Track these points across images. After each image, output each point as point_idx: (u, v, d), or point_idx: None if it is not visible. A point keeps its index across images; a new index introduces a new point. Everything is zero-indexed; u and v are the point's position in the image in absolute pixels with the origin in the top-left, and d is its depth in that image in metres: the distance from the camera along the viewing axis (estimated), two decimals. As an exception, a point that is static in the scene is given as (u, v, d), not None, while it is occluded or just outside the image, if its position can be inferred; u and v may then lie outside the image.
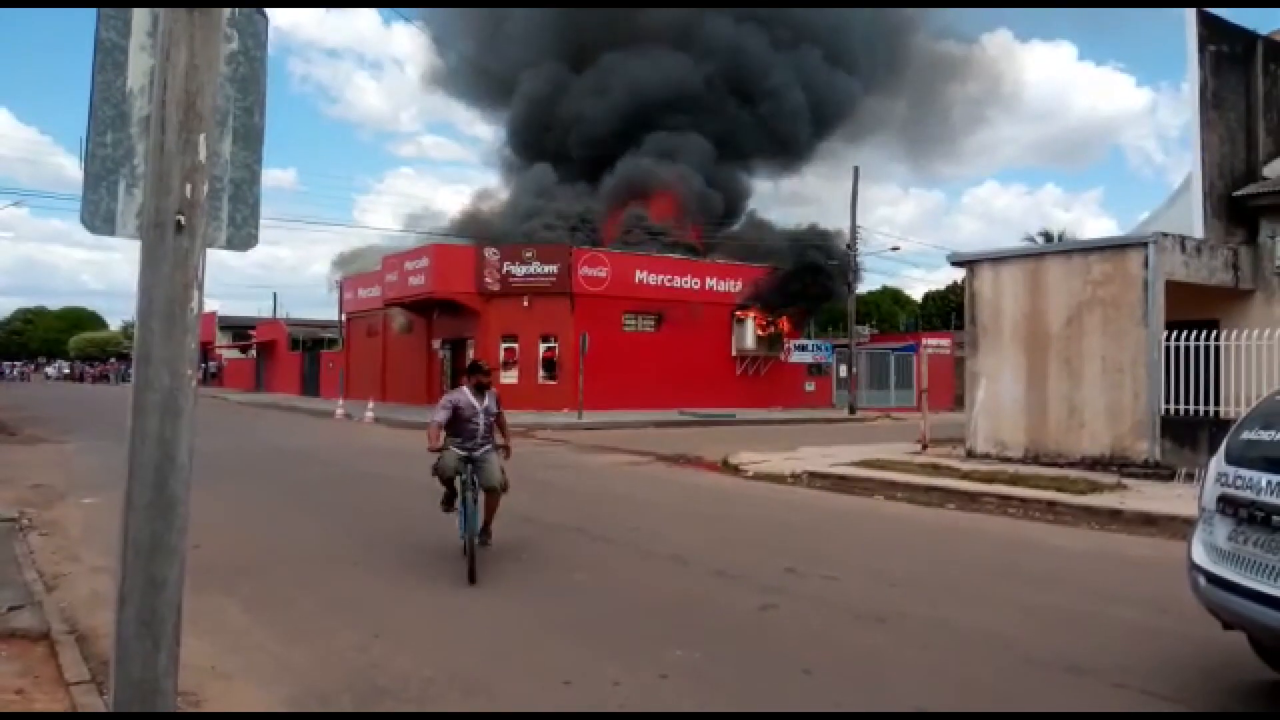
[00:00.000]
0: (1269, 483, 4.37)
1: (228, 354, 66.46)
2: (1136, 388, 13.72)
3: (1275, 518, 4.27)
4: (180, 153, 2.27)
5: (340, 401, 32.94)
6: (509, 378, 31.98)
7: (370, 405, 29.71)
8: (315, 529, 9.98)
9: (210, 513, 9.87)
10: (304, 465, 16.52)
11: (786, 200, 68.05)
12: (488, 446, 8.05)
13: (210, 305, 50.25)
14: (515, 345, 32.08)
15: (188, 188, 2.28)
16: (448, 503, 8.18)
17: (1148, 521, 10.17)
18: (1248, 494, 4.50)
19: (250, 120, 2.55)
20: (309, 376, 48.05)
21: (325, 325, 52.61)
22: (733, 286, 35.29)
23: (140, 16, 2.35)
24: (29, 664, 5.12)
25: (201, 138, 2.30)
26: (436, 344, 35.85)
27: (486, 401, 8.05)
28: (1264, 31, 16.86)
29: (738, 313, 35.08)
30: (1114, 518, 10.54)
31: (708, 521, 10.81)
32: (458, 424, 7.85)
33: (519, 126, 43.87)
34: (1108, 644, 5.78)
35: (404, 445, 20.64)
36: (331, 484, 13.92)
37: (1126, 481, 12.58)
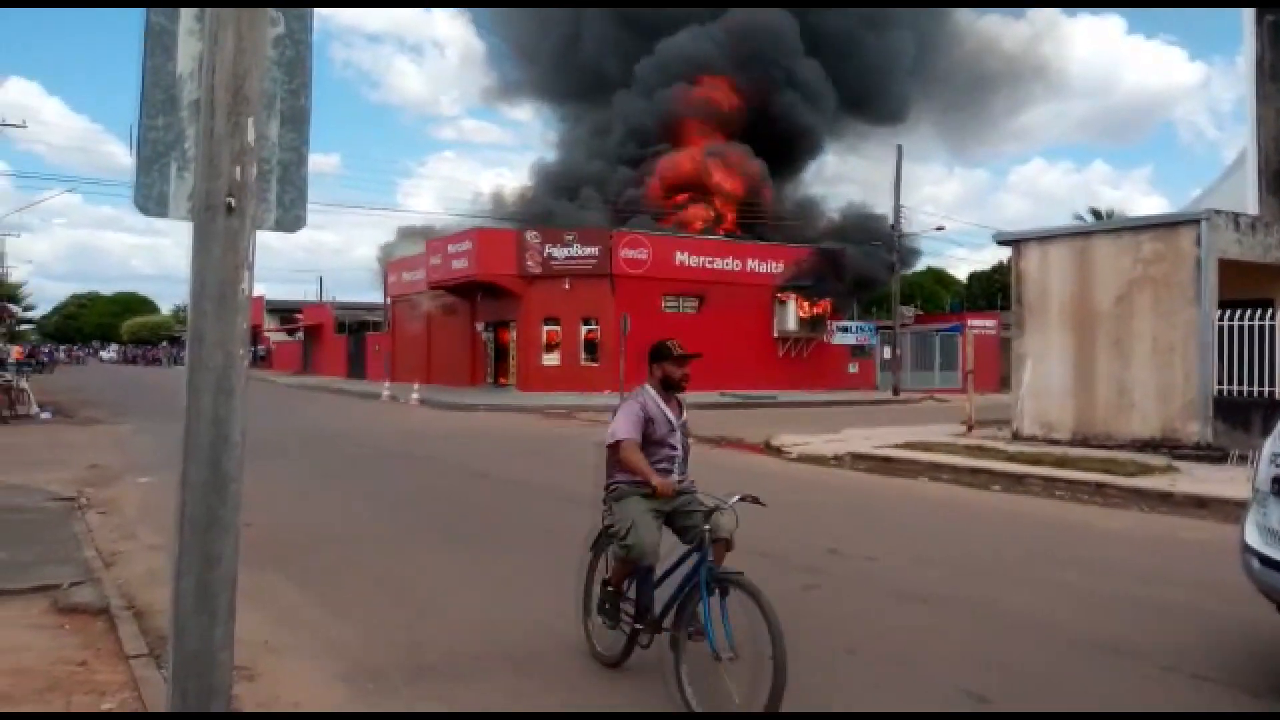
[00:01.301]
0: (1325, 463, 4.28)
1: (275, 337, 67.48)
2: (1187, 368, 13.45)
3: (1331, 499, 4.18)
4: (229, 136, 2.31)
5: (386, 384, 33.36)
6: (551, 360, 32.17)
7: (416, 388, 30.05)
8: (362, 508, 10.14)
9: (260, 492, 10.07)
10: (350, 446, 16.77)
11: (829, 179, 67.27)
12: (687, 482, 5.03)
13: (258, 289, 51.01)
14: (557, 328, 32.23)
15: (237, 170, 2.33)
16: (612, 609, 4.96)
17: (1199, 504, 9.99)
18: (1303, 475, 4.41)
19: (297, 103, 2.59)
20: (355, 359, 48.66)
21: (370, 308, 53.19)
22: (774, 267, 35.09)
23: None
24: (90, 638, 5.27)
25: (249, 121, 2.34)
26: (479, 326, 36.12)
27: (682, 415, 5.11)
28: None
29: (779, 294, 34.89)
30: (1164, 500, 10.36)
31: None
32: (645, 448, 4.81)
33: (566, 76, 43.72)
34: (1156, 627, 5.71)
35: (449, 426, 20.88)
36: (377, 465, 14.13)
37: (1177, 464, 12.36)
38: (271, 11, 2.46)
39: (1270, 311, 12.96)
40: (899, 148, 36.41)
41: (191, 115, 2.38)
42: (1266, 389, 12.81)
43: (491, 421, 22.46)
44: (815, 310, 35.45)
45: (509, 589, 6.61)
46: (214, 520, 2.42)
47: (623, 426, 4.81)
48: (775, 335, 35.22)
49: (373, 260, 56.99)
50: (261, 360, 64.42)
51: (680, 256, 33.17)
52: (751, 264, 34.81)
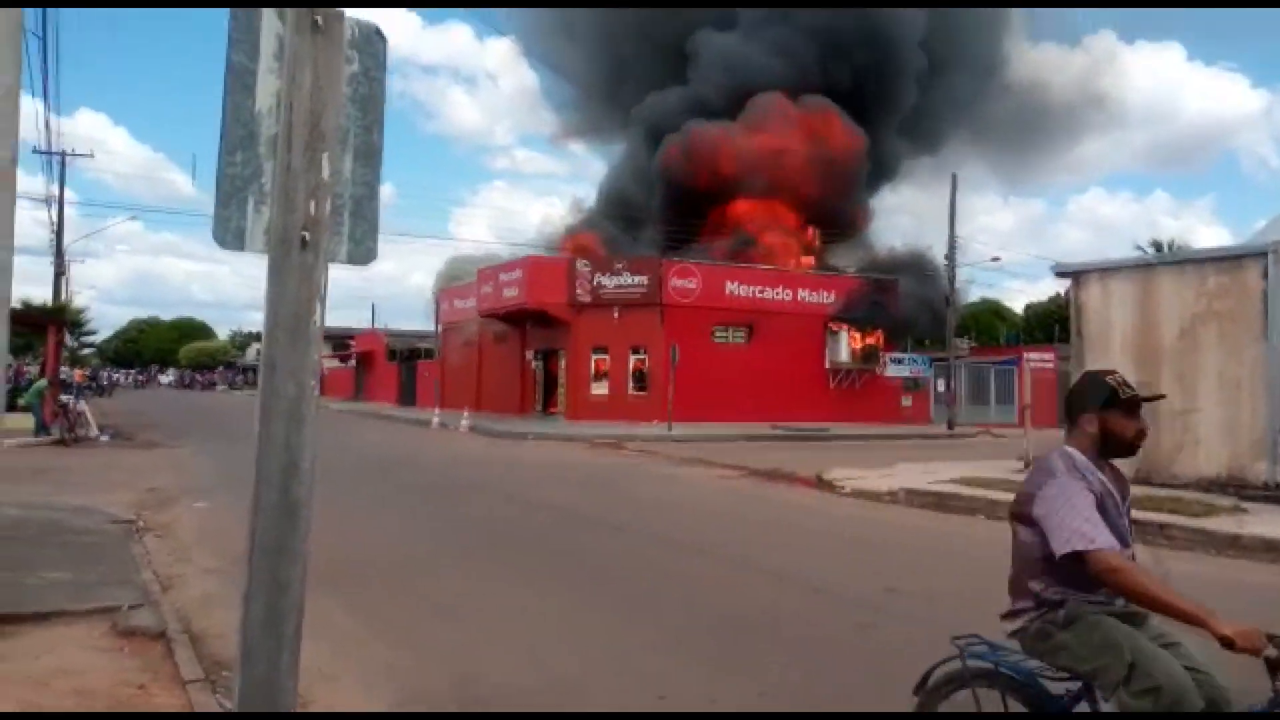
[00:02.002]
0: None
1: (328, 363, 68.55)
2: (1255, 405, 13.07)
3: None
4: (305, 171, 2.36)
5: (436, 411, 33.68)
6: (599, 389, 32.25)
7: (466, 415, 30.30)
8: (414, 534, 10.21)
9: (314, 516, 10.21)
10: (401, 472, 16.93)
11: (886, 210, 66.93)
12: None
13: (327, 307, 52.09)
14: (606, 357, 32.34)
15: (312, 205, 2.37)
16: None
17: (1270, 548, 9.65)
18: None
19: (369, 139, 2.64)
20: (406, 386, 49.22)
21: (422, 336, 53.85)
22: (825, 298, 34.91)
23: (267, 41, 2.45)
24: (149, 661, 5.35)
25: (325, 156, 2.38)
26: (529, 355, 36.37)
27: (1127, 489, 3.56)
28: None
29: (831, 325, 34.67)
30: (1232, 543, 10.03)
31: (803, 537, 10.69)
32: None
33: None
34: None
35: (498, 455, 20.99)
36: (428, 491, 14.23)
37: (1244, 504, 11.98)
38: (347, 50, 2.52)
39: (1342, 348, 12.56)
40: (953, 177, 36.17)
41: (269, 151, 2.43)
42: (1339, 428, 12.39)
43: (540, 450, 22.54)
44: (868, 341, 35.15)
45: (562, 622, 6.58)
46: (283, 546, 2.45)
47: (1088, 524, 3.08)
48: (827, 367, 34.96)
49: (425, 288, 57.82)
50: (315, 386, 65.14)
51: (730, 286, 33.16)
52: (803, 294, 34.67)
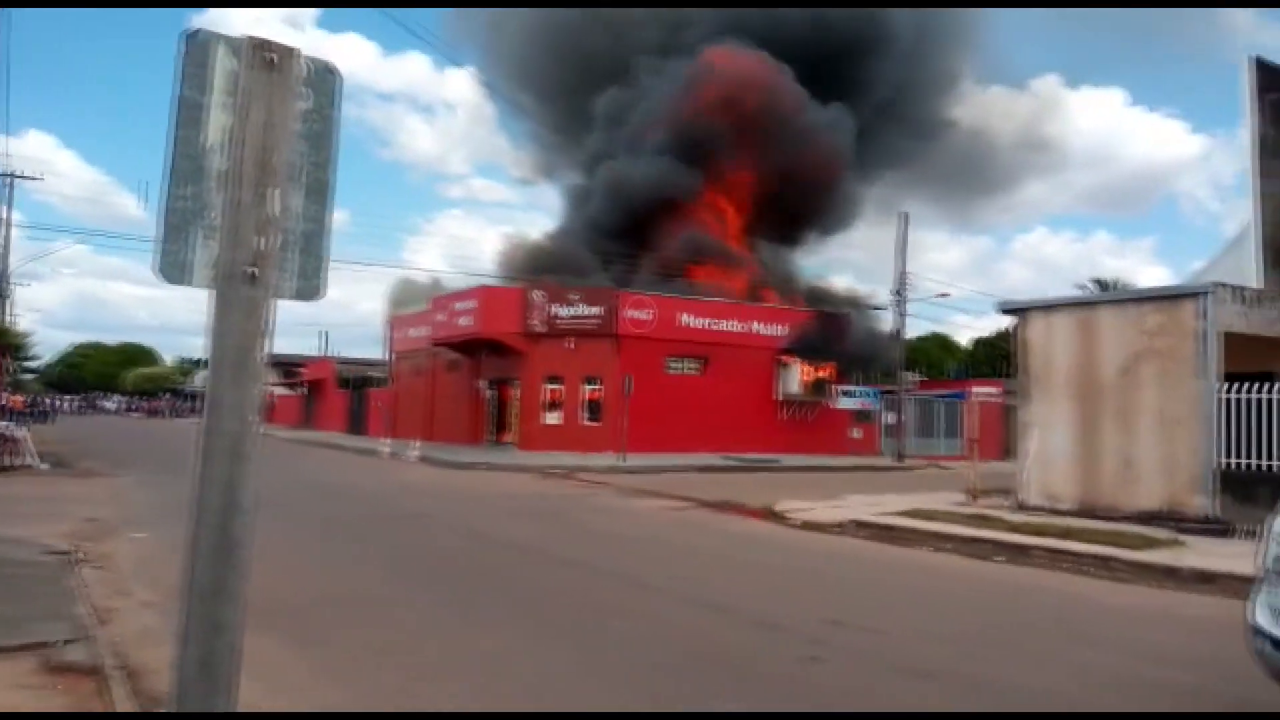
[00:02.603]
0: (1335, 545, 4.24)
1: (277, 391, 67.52)
2: (1192, 441, 13.42)
3: (1342, 582, 4.14)
4: (254, 206, 2.36)
5: (386, 440, 33.29)
6: (552, 419, 32.14)
7: (416, 444, 29.99)
8: (358, 567, 10.06)
9: (255, 549, 10.02)
10: (348, 503, 16.69)
11: (836, 244, 68.04)
12: None
13: (271, 341, 51.28)
14: (559, 386, 32.27)
15: (260, 240, 2.37)
16: None
17: (1204, 580, 9.89)
18: (1312, 556, 4.38)
19: (321, 175, 2.64)
20: (356, 415, 48.62)
21: (373, 364, 53.32)
22: (777, 330, 35.24)
23: (219, 76, 2.45)
24: (81, 698, 5.19)
25: (275, 192, 2.39)
26: (482, 384, 36.17)
27: None
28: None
29: (782, 357, 34.99)
30: (1169, 575, 10.27)
31: (751, 570, 10.72)
32: None
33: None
34: (1161, 708, 5.62)
35: (448, 484, 20.79)
36: (375, 523, 14.03)
37: (1182, 537, 12.27)
38: (300, 86, 2.53)
39: (1274, 385, 12.97)
40: (903, 215, 36.85)
41: (218, 185, 2.42)
42: (1272, 462, 12.76)
43: (491, 480, 22.36)
44: (818, 374, 35.52)
45: (507, 660, 6.52)
46: (221, 587, 2.42)
47: None
48: (778, 398, 35.23)
49: (377, 316, 57.33)
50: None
51: (685, 318, 33.35)
52: (755, 326, 34.97)
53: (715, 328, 33.95)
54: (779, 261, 42.16)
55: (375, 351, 51.53)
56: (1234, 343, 13.73)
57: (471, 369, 36.46)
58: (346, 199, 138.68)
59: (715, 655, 6.64)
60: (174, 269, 2.44)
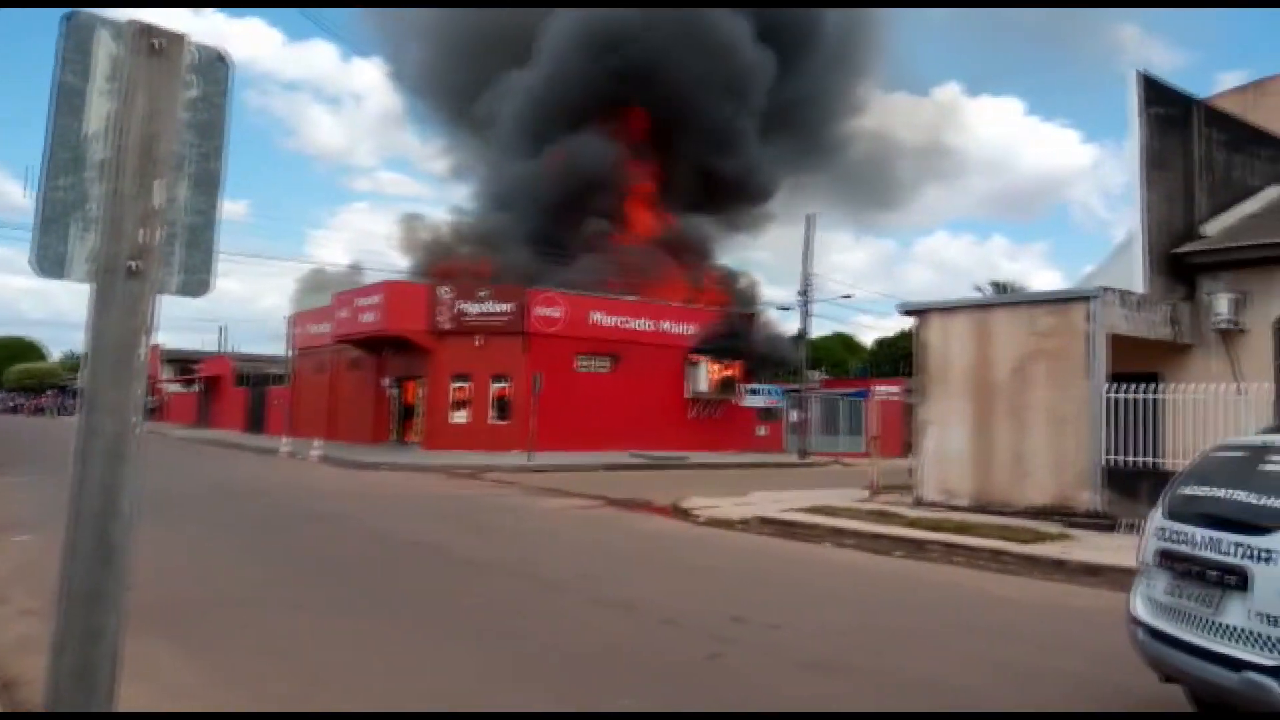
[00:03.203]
0: (1205, 538, 4.48)
1: (171, 388, 65.16)
2: (1080, 438, 13.99)
3: (1211, 572, 4.37)
4: (136, 198, 2.26)
5: (286, 439, 32.40)
6: (459, 417, 31.75)
7: (317, 443, 29.26)
8: (255, 570, 9.77)
9: (145, 552, 9.63)
10: (245, 504, 16.20)
11: (742, 243, 68.92)
12: None
13: (154, 338, 49.38)
14: (466, 384, 31.89)
15: (142, 233, 2.27)
16: None
17: (1090, 572, 10.32)
18: (1185, 549, 4.61)
19: (208, 166, 2.54)
20: (255, 413, 47.23)
21: (273, 360, 51.87)
22: (686, 329, 35.51)
23: (101, 61, 2.34)
24: (-49, 712, 4.92)
25: (158, 183, 2.29)
26: (386, 382, 35.50)
27: None
28: (1201, 96, 17.58)
29: (691, 356, 35.28)
30: (1058, 568, 10.69)
31: (656, 567, 10.77)
32: None
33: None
34: (1050, 696, 5.85)
35: (350, 485, 20.35)
36: (274, 524, 13.65)
37: (1070, 531, 12.78)
38: (187, 74, 2.43)
39: (1156, 385, 13.61)
40: (809, 217, 37.56)
41: (97, 176, 2.31)
42: (1153, 460, 13.40)
43: (395, 480, 21.96)
44: (726, 373, 35.93)
45: (407, 661, 6.41)
46: (98, 593, 2.31)
47: None
48: (687, 397, 35.50)
49: (278, 310, 55.75)
50: (154, 412, 62.01)
51: (595, 316, 33.32)
52: (665, 325, 35.17)
53: (626, 326, 34.03)
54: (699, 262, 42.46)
55: (277, 348, 50.13)
56: (1119, 344, 14.37)
57: (376, 366, 35.76)
58: (247, 190, 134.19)
59: (619, 653, 6.65)
60: (50, 262, 2.32)
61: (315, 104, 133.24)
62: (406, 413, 34.87)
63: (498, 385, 31.88)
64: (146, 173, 2.27)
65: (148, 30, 2.36)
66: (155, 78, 2.29)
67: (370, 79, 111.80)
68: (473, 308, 31.43)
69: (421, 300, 31.79)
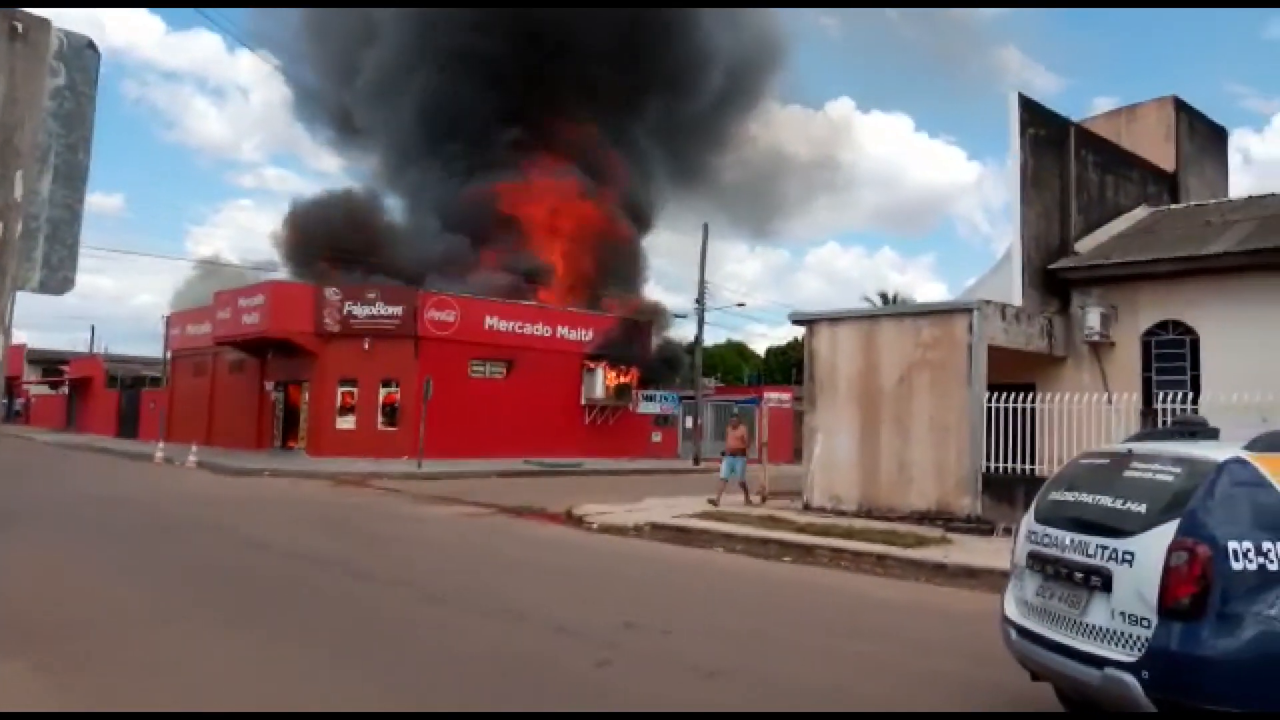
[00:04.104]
0: (1072, 541, 4.69)
1: (36, 390, 61.69)
2: (960, 446, 14.52)
3: (1077, 574, 4.58)
4: (-8, 189, 2.12)
5: (160, 444, 31.00)
6: (346, 423, 30.96)
7: (194, 449, 28.10)
8: (125, 583, 9.29)
9: (3, 566, 9.08)
10: (115, 512, 15.42)
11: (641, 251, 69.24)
12: None
13: (19, 336, 46.58)
14: (354, 389, 31.10)
15: (0, 227, 2.13)
16: None
17: (970, 574, 10.71)
18: (1054, 551, 4.82)
19: (74, 158, 2.40)
20: (127, 416, 45.06)
21: (148, 362, 49.70)
22: (583, 335, 35.46)
23: (-46, 42, 2.19)
24: None
25: (18, 174, 2.15)
26: (269, 386, 34.37)
27: None
28: (1076, 119, 18.52)
29: (588, 362, 35.24)
30: (939, 571, 11.05)
31: (548, 575, 10.70)
32: None
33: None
34: (930, 696, 6.03)
35: (229, 492, 19.60)
36: (145, 534, 13.02)
37: (951, 536, 13.24)
38: (52, 61, 2.29)
39: (1032, 395, 14.24)
40: (705, 226, 37.98)
41: (-51, 165, 2.16)
42: (1028, 466, 14.00)
43: (277, 488, 21.25)
44: (623, 379, 36.02)
45: (288, 674, 6.20)
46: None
47: None
48: (583, 403, 35.44)
49: (155, 310, 53.41)
50: (18, 415, 58.64)
51: (490, 320, 32.94)
52: (561, 331, 35.03)
53: (521, 331, 33.73)
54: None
55: (154, 349, 47.99)
56: (998, 356, 14.98)
57: (259, 369, 34.55)
58: (122, 183, 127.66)
59: (507, 662, 6.57)
60: (-108, 256, 2.15)
61: (198, 95, 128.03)
62: (291, 418, 33.81)
63: (387, 390, 31.18)
64: (7, 163, 2.13)
65: (9, 14, 2.22)
66: (17, 64, 2.15)
67: (257, 70, 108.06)
68: (361, 310, 30.68)
69: (307, 302, 30.87)
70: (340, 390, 31.06)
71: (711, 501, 17.11)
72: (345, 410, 31.10)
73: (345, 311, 30.59)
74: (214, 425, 36.35)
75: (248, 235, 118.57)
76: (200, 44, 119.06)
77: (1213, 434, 5.23)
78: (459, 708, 5.51)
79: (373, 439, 29.98)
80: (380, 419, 31.06)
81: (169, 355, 41.64)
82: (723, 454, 19.52)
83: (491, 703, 5.60)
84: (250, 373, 35.03)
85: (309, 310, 30.60)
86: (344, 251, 35.05)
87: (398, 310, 30.68)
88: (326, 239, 36.24)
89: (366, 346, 30.55)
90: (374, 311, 30.68)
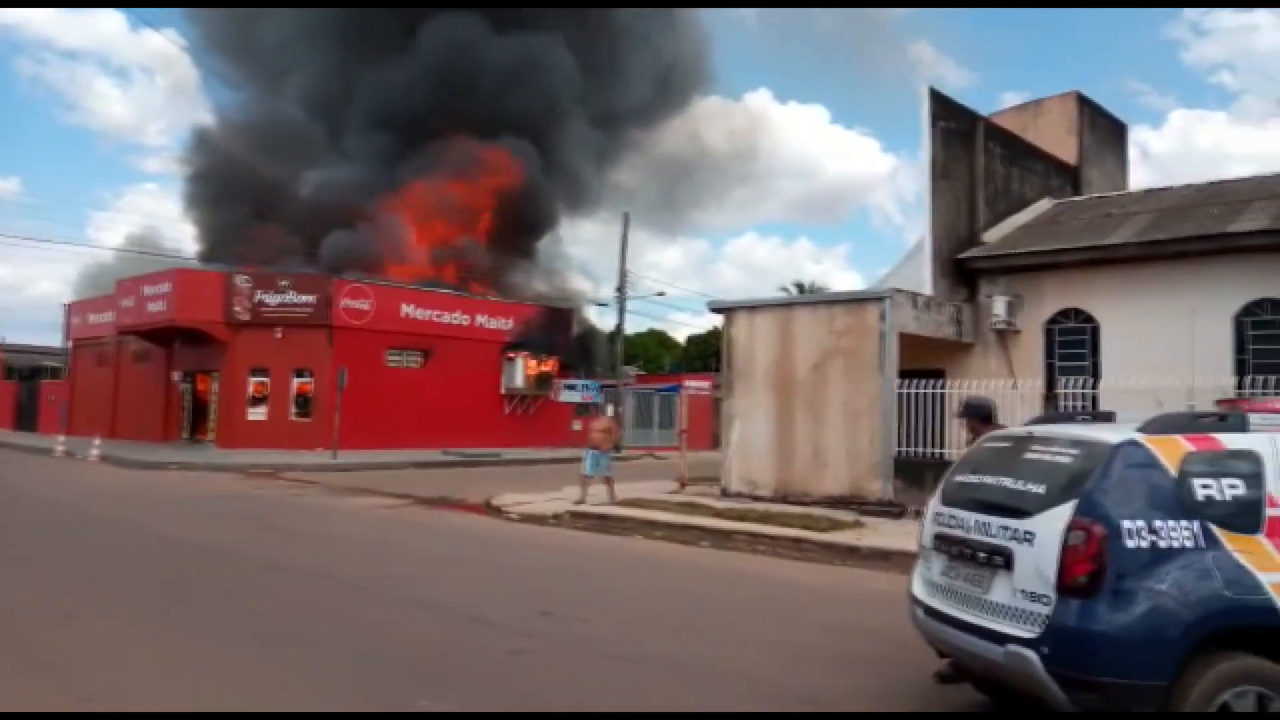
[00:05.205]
0: (976, 522, 4.78)
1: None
2: (873, 431, 14.78)
3: (981, 554, 4.67)
4: None
5: (61, 437, 29.77)
6: (257, 414, 30.16)
7: (97, 442, 27.04)
8: (23, 581, 8.87)
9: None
10: (14, 508, 14.75)
11: (560, 239, 68.70)
12: None
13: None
14: (265, 379, 30.29)
15: None
16: None
17: (882, 557, 10.91)
18: (959, 532, 4.91)
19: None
20: (26, 409, 43.19)
21: (48, 353, 47.70)
22: (503, 324, 35.13)
23: None
24: None
25: None
26: (176, 376, 33.26)
27: None
28: (984, 113, 18.95)
29: (508, 352, 34.94)
30: (852, 554, 11.25)
31: (465, 566, 10.58)
32: None
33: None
34: (842, 675, 6.12)
35: (134, 486, 18.92)
36: (46, 531, 12.47)
37: (864, 519, 13.48)
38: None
39: (941, 381, 14.56)
40: (625, 216, 37.91)
41: None
42: (939, 450, 14.32)
43: (185, 481, 20.59)
44: (543, 368, 35.81)
45: (197, 669, 5.98)
46: None
47: None
48: (503, 392, 35.12)
49: (55, 298, 51.13)
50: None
51: (406, 309, 32.37)
52: (480, 319, 34.62)
53: (439, 320, 33.22)
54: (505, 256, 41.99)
55: (54, 338, 46.00)
56: (910, 343, 15.28)
57: (165, 359, 33.40)
58: (18, 167, 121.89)
59: (423, 654, 6.46)
60: None
61: (100, 76, 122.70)
62: (199, 409, 32.80)
63: (300, 380, 30.42)
64: None
65: None
66: None
67: (163, 52, 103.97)
68: (272, 298, 29.85)
69: (216, 289, 29.91)
70: (251, 380, 30.22)
71: (578, 502, 15.55)
72: (257, 401, 30.28)
73: (256, 300, 29.74)
74: (118, 417, 35.05)
75: (152, 219, 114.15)
76: (101, 22, 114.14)
77: (1108, 417, 5.40)
78: (374, 694, 5.38)
79: (286, 430, 29.24)
80: (293, 410, 30.31)
81: (70, 345, 39.98)
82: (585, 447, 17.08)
83: (403, 692, 5.48)
84: (156, 363, 33.86)
85: (218, 298, 29.67)
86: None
87: (311, 299, 29.95)
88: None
89: (278, 335, 29.75)
90: (286, 300, 29.89)
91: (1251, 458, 4.43)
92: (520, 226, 40.60)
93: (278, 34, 39.91)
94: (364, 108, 38.88)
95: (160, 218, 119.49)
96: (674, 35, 45.13)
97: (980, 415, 6.66)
